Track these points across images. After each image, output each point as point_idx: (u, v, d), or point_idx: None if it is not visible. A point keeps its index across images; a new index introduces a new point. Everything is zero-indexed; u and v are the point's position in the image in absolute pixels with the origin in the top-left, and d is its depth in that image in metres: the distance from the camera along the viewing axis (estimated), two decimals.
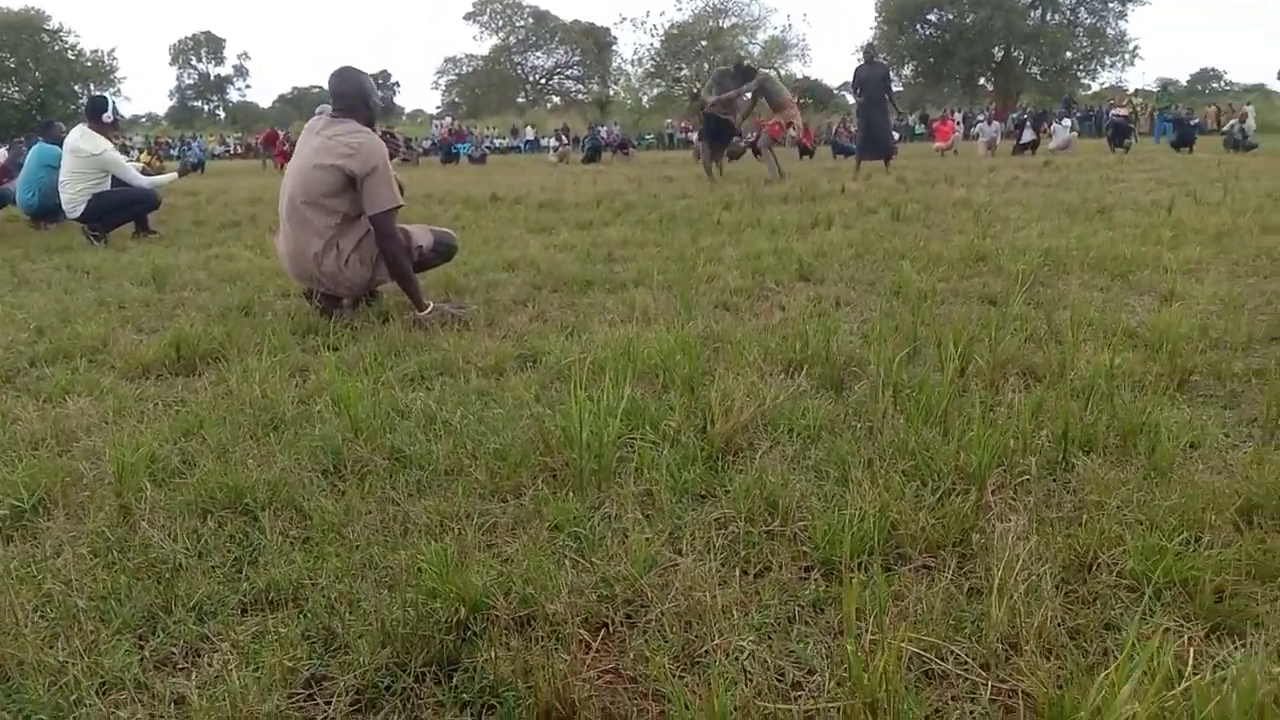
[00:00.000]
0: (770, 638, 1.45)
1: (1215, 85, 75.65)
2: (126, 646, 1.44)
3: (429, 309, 3.73)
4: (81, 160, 7.11)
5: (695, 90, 41.39)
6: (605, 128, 37.42)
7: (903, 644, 1.28)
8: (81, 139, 7.14)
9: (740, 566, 1.66)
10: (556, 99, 68.19)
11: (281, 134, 32.05)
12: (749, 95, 13.15)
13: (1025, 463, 2.02)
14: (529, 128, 47.41)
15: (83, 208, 7.13)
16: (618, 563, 1.66)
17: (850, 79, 14.71)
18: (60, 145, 7.77)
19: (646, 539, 1.73)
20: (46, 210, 8.21)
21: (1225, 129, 21.61)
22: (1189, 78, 77.76)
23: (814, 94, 45.84)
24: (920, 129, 40.81)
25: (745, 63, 13.99)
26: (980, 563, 1.63)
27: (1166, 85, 27.44)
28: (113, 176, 7.29)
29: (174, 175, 8.74)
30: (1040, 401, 2.38)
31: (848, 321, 3.54)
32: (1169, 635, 1.40)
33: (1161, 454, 2.06)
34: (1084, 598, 1.55)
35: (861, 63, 14.45)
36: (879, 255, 5.15)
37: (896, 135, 23.11)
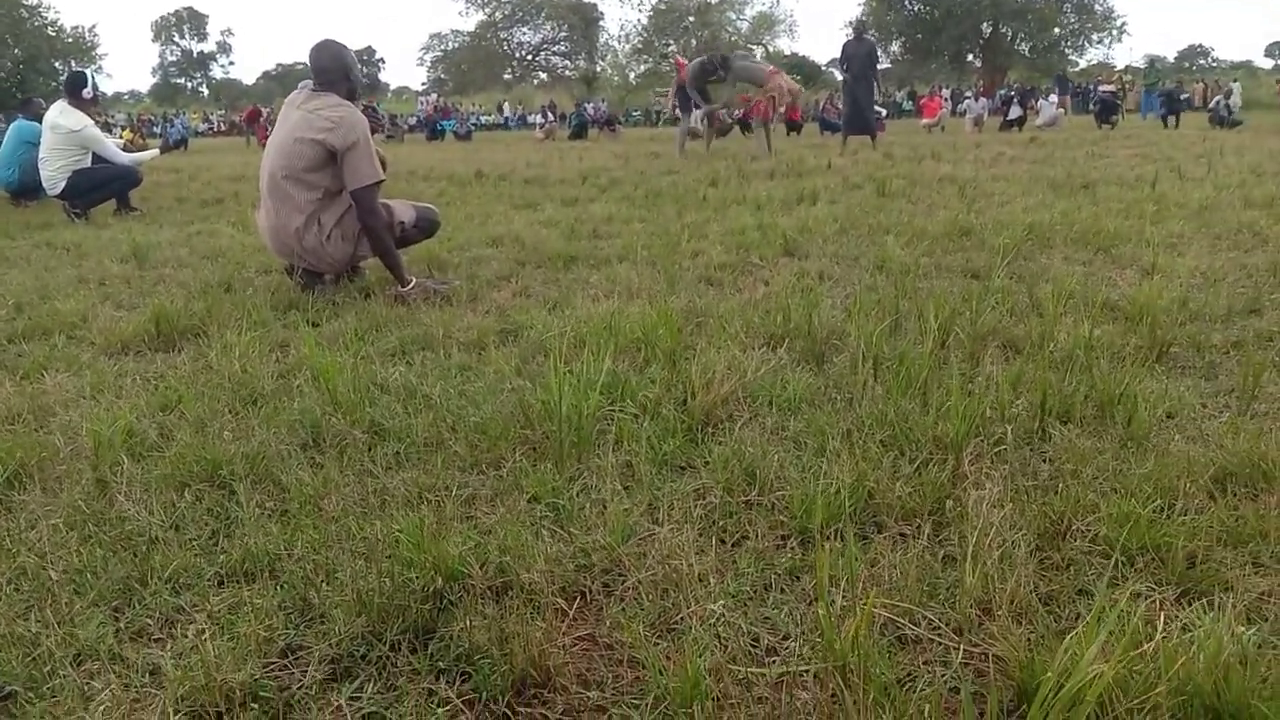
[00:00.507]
0: (746, 605, 1.46)
1: (1202, 62, 75.78)
2: (101, 618, 1.44)
3: (411, 284, 3.72)
4: (61, 137, 7.03)
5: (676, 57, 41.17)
6: (592, 104, 37.22)
7: (874, 609, 1.28)
8: (61, 115, 7.06)
9: (717, 536, 1.67)
10: (543, 75, 67.70)
11: (265, 111, 31.73)
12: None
13: (1002, 432, 2.03)
14: (504, 104, 46.93)
15: (63, 185, 7.06)
16: (596, 533, 1.66)
17: (839, 55, 14.64)
18: (40, 122, 7.69)
19: (625, 509, 1.74)
20: (26, 188, 8.13)
21: (1211, 105, 21.67)
22: (1176, 54, 77.83)
23: (802, 70, 45.69)
24: (908, 105, 40.71)
25: (721, 54, 14.01)
26: (955, 530, 1.64)
27: (1154, 61, 27.39)
28: (93, 153, 7.22)
29: (155, 152, 8.66)
30: (1020, 373, 2.39)
31: (831, 296, 3.54)
32: (1138, 598, 1.41)
33: (1138, 423, 2.08)
34: (1057, 564, 1.57)
35: (850, 38, 14.40)
36: (864, 230, 5.14)
37: (884, 112, 23.07)
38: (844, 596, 1.41)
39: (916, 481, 1.81)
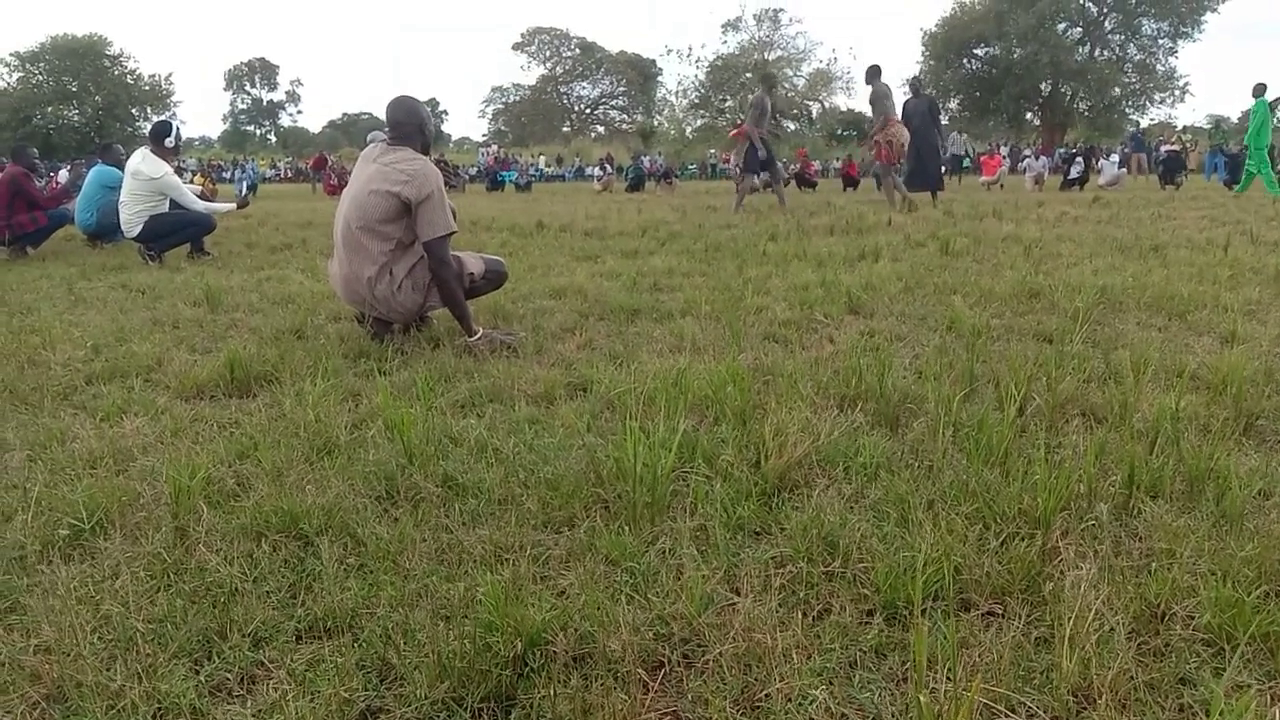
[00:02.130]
0: (832, 683, 1.41)
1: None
2: (183, 671, 1.44)
3: (478, 335, 3.75)
4: (141, 183, 7.27)
5: (739, 121, 41.64)
6: (649, 158, 37.63)
7: (976, 696, 1.24)
8: (143, 162, 7.30)
9: (800, 608, 1.63)
10: (601, 128, 68.80)
11: (331, 158, 32.56)
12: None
13: (1093, 508, 1.97)
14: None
15: (140, 228, 7.29)
16: (674, 600, 1.63)
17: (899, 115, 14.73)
18: (119, 167, 7.98)
19: (703, 576, 1.70)
20: (104, 230, 8.42)
21: (1278, 168, 21.18)
22: (1239, 114, 76.55)
23: (858, 126, 45.71)
24: (966, 163, 40.55)
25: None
26: (1049, 610, 1.58)
27: (1220, 122, 26.90)
28: (170, 199, 7.44)
29: (232, 206, 8.89)
30: (1103, 444, 2.32)
31: (900, 356, 3.49)
32: (1246, 691, 1.34)
33: (1231, 501, 2.00)
34: (1157, 650, 1.50)
35: (909, 96, 14.45)
36: (929, 289, 5.09)
37: (943, 169, 23.11)
38: (937, 679, 1.36)
39: (1004, 557, 1.75)
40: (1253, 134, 14.98)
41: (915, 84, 15.42)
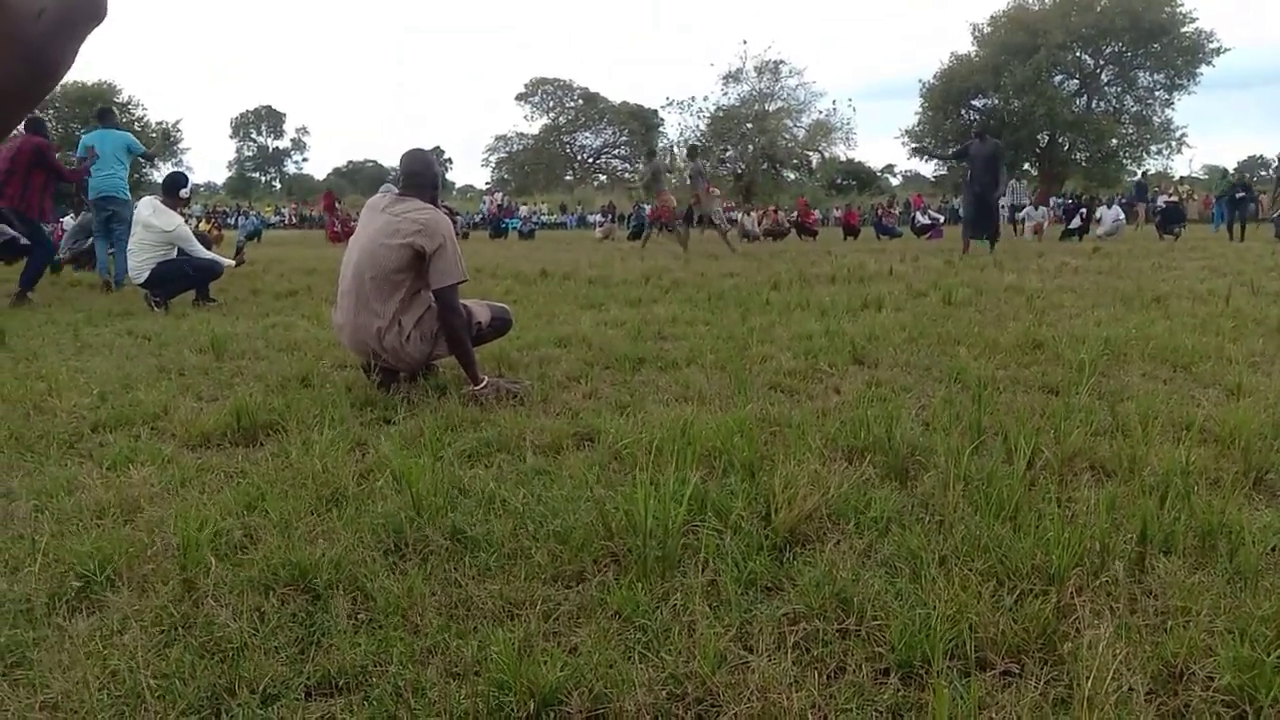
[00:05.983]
0: None
1: (1263, 173, 75.26)
2: None
3: (484, 383, 3.75)
4: (153, 234, 7.31)
5: (739, 171, 41.95)
6: (650, 206, 37.84)
7: None
8: (154, 215, 7.34)
9: (815, 667, 1.61)
10: (603, 177, 69.39)
11: (339, 204, 32.43)
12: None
13: (1109, 565, 1.95)
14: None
15: (147, 274, 7.32)
16: (687, 659, 1.61)
17: (962, 155, 15.00)
18: (119, 129, 8.69)
19: (715, 634, 1.69)
20: (112, 190, 9.32)
21: (1275, 217, 21.27)
22: (1236, 165, 77.27)
23: (858, 177, 45.85)
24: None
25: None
26: (1067, 670, 1.57)
27: (1227, 173, 26.82)
28: (179, 248, 7.49)
29: (231, 263, 8.92)
30: (1114, 498, 2.31)
31: (907, 408, 3.49)
32: None
33: (1245, 558, 1.99)
34: (1176, 711, 1.48)
35: (973, 139, 14.69)
36: (933, 339, 5.09)
37: (941, 219, 23.34)
38: None
39: (1019, 615, 1.74)
40: None
41: (982, 128, 15.65)
